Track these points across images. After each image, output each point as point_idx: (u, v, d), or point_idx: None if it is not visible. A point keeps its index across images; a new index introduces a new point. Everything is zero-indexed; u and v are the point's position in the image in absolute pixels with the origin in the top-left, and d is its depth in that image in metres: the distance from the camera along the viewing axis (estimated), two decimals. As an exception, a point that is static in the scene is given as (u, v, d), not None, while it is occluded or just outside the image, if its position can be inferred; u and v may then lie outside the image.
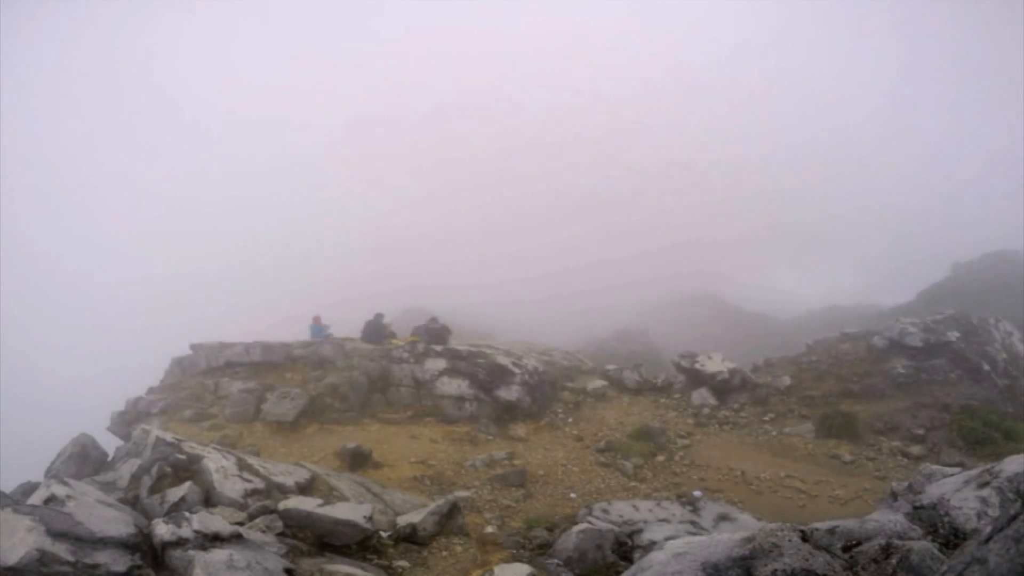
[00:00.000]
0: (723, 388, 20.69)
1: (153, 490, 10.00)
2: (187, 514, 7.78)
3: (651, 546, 8.62)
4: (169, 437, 11.67)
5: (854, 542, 5.06)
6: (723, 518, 11.59)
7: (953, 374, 20.61)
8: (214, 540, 7.32)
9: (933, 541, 5.06)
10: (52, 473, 12.88)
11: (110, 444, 15.31)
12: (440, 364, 19.55)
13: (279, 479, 10.98)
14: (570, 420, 18.93)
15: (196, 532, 7.33)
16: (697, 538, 5.70)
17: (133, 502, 9.90)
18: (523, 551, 10.20)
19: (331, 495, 10.97)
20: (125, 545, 7.01)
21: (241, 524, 8.61)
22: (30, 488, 10.32)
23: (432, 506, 10.44)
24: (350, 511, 9.34)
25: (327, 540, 8.92)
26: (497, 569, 8.59)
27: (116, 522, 7.38)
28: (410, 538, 9.71)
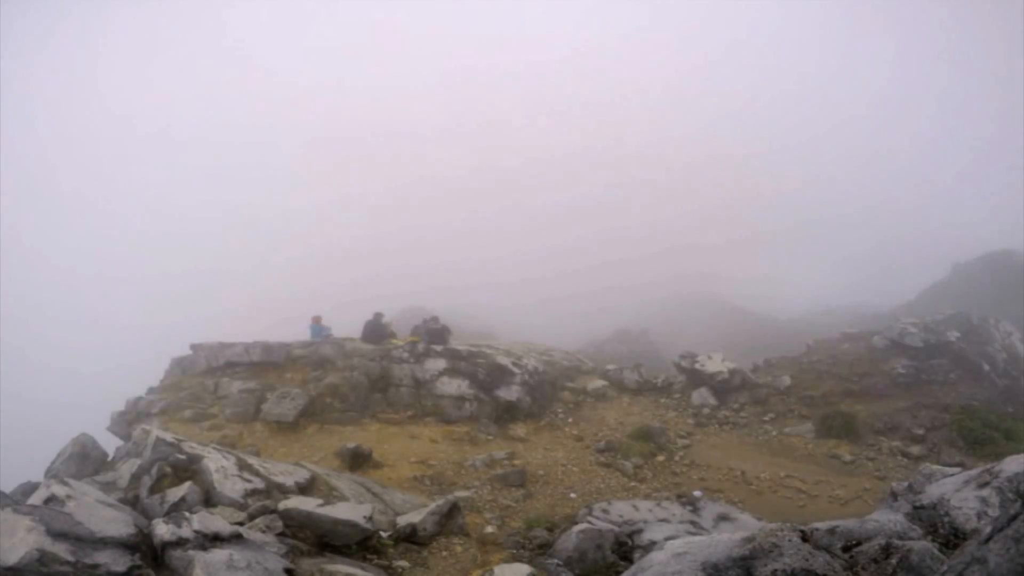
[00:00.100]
0: (723, 388, 20.69)
1: (153, 490, 10.00)
2: (187, 514, 7.78)
3: (651, 546, 8.63)
4: (169, 437, 11.67)
5: (854, 542, 5.06)
6: (723, 518, 11.58)
7: (953, 374, 20.63)
8: (214, 540, 7.32)
9: (933, 541, 5.06)
10: (52, 473, 12.87)
11: (110, 444, 15.30)
12: (440, 364, 19.55)
13: (279, 479, 10.98)
14: (570, 420, 18.93)
15: (196, 532, 7.33)
16: (697, 538, 5.70)
17: (133, 502, 9.90)
18: (523, 551, 10.20)
19: (331, 495, 10.97)
20: (125, 545, 7.01)
21: (241, 524, 8.61)
22: (30, 488, 10.32)
23: (432, 506, 10.44)
24: (350, 511, 9.34)
25: (327, 540, 8.92)
26: (497, 569, 8.59)
27: (116, 522, 7.38)
28: (410, 538, 9.72)
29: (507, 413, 18.40)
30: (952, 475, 6.48)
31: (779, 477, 15.21)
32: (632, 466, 15.27)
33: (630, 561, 9.32)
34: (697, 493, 12.87)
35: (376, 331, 21.64)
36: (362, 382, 18.77)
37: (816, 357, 22.43)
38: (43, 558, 6.27)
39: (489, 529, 11.04)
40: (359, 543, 9.03)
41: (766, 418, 19.26)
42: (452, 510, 10.41)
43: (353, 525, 9.00)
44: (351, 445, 14.35)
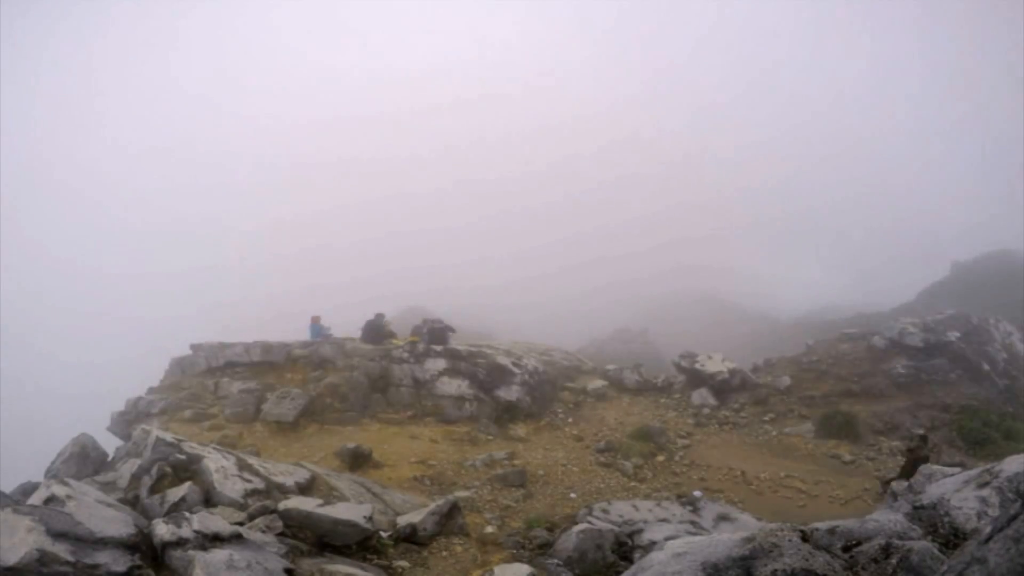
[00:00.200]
0: (723, 388, 20.69)
1: (153, 490, 10.00)
2: (187, 514, 7.78)
3: (651, 546, 8.63)
4: (169, 437, 11.66)
5: (854, 542, 5.06)
6: (723, 518, 11.59)
7: (953, 374, 20.63)
8: (214, 540, 7.32)
9: (933, 541, 5.06)
10: (52, 473, 12.88)
11: (110, 444, 15.31)
12: (440, 364, 19.54)
13: (279, 479, 10.98)
14: (570, 420, 18.93)
15: (196, 532, 7.33)
16: (697, 538, 5.70)
17: (133, 502, 9.89)
18: (523, 551, 10.20)
19: (331, 495, 10.97)
20: (125, 545, 7.01)
21: (241, 524, 8.61)
22: (30, 488, 10.32)
23: (432, 506, 10.44)
24: (350, 511, 9.34)
25: (327, 540, 8.92)
26: (497, 569, 8.59)
27: (116, 522, 7.38)
28: (410, 538, 9.72)
29: (507, 413, 18.40)
30: (952, 475, 6.48)
31: (779, 477, 15.21)
32: (632, 466, 15.27)
33: (630, 561, 9.32)
34: (697, 493, 12.87)
35: (376, 331, 21.63)
36: (362, 382, 18.77)
37: (816, 357, 22.43)
38: (43, 558, 6.27)
39: (489, 529, 11.04)
40: (359, 543, 9.03)
41: (766, 418, 19.26)
42: (452, 510, 10.41)
43: (353, 525, 9.00)
44: (351, 445, 14.35)
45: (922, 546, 4.57)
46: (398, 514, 10.78)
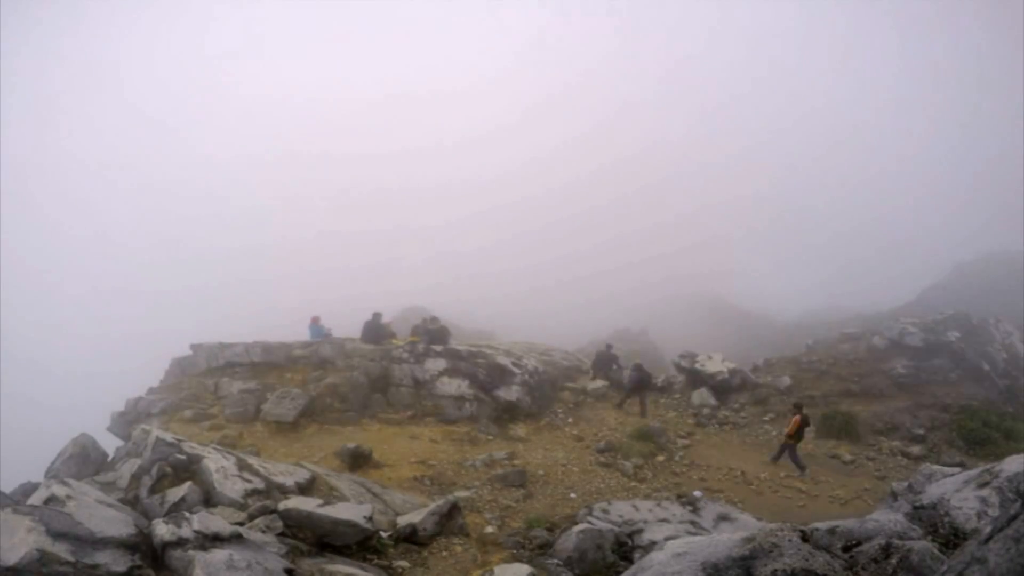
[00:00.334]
0: (723, 388, 20.70)
1: (153, 490, 10.00)
2: (187, 514, 7.78)
3: (651, 546, 8.64)
4: (169, 437, 11.66)
5: (854, 542, 5.06)
6: (723, 518, 11.58)
7: (953, 374, 20.65)
8: (214, 540, 7.32)
9: (933, 541, 5.06)
10: (52, 473, 12.88)
11: (110, 444, 15.30)
12: (440, 364, 19.54)
13: (279, 479, 10.98)
14: (570, 420, 18.94)
15: (196, 532, 7.33)
16: (697, 538, 5.70)
17: (133, 502, 9.90)
18: (523, 551, 10.20)
19: (331, 495, 10.97)
20: (125, 545, 7.01)
21: (241, 524, 8.61)
22: (30, 488, 10.33)
23: (432, 506, 10.44)
24: (350, 511, 9.34)
25: (327, 540, 8.92)
26: (497, 569, 8.59)
27: (116, 522, 7.38)
28: (410, 538, 9.72)
29: (507, 413, 18.40)
30: (952, 475, 6.49)
31: (779, 477, 15.22)
32: (632, 466, 15.27)
33: (630, 561, 9.32)
34: (697, 493, 12.87)
35: (376, 331, 21.63)
36: (362, 382, 18.77)
37: (816, 357, 22.44)
38: (43, 558, 6.27)
39: (489, 529, 11.04)
40: (359, 543, 9.03)
41: (766, 418, 19.27)
42: (452, 510, 10.41)
43: (353, 525, 9.00)
44: (351, 445, 14.35)
45: (922, 546, 4.58)
46: (398, 514, 10.78)
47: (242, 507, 9.69)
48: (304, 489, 11.03)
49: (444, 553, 9.65)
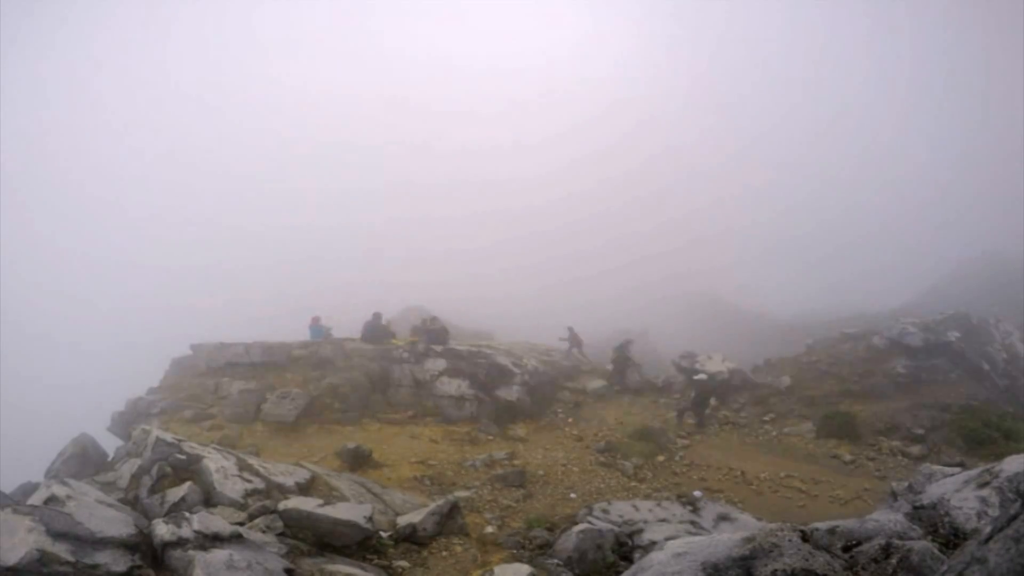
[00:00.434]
0: (723, 388, 20.69)
1: (153, 490, 10.01)
2: (187, 514, 7.78)
3: (651, 546, 8.63)
4: (169, 437, 11.67)
5: (854, 542, 5.06)
6: (723, 518, 11.58)
7: (953, 374, 20.64)
8: (214, 540, 7.32)
9: (933, 541, 5.06)
10: (52, 473, 12.89)
11: (110, 444, 15.31)
12: (440, 364, 19.55)
13: (279, 479, 10.99)
14: (570, 420, 18.94)
15: (196, 532, 7.34)
16: (697, 538, 5.70)
17: (133, 502, 9.90)
18: (523, 551, 10.20)
19: (331, 495, 10.98)
20: (125, 545, 7.01)
21: (241, 524, 8.62)
22: (30, 488, 10.33)
23: (432, 506, 10.44)
24: (350, 511, 9.35)
25: (327, 540, 8.92)
26: (497, 569, 8.59)
27: (116, 522, 7.39)
28: (410, 538, 9.72)
29: (507, 413, 18.40)
30: (952, 475, 6.48)
31: (779, 477, 15.21)
32: (632, 466, 15.27)
33: (630, 561, 9.32)
34: (697, 493, 12.87)
35: (376, 331, 21.64)
36: (362, 382, 18.78)
37: (816, 357, 22.44)
38: (43, 558, 6.27)
39: (489, 529, 11.04)
40: (359, 543, 9.04)
41: (766, 418, 19.27)
42: (452, 510, 10.41)
43: (353, 525, 9.01)
44: (351, 445, 14.36)
45: (922, 546, 4.58)
46: (398, 514, 10.78)
47: (242, 507, 9.69)
48: (304, 489, 11.03)
49: (444, 553, 9.65)
